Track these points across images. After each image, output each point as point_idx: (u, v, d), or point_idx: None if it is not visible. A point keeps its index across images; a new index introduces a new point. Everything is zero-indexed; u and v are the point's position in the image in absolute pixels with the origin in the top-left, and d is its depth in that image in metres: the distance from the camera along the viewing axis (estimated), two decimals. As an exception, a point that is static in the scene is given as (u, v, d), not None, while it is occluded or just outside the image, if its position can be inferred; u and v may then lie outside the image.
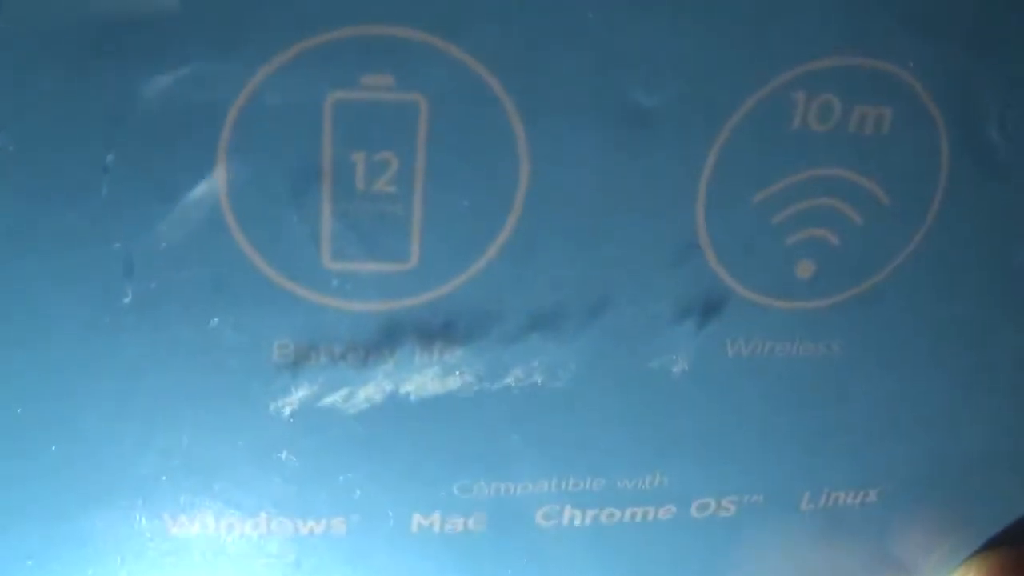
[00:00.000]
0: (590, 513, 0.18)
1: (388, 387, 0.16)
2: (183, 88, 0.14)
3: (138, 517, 0.17)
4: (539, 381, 0.16)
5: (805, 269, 0.16)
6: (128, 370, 0.15)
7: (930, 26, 0.15)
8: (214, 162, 0.14)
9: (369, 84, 0.14)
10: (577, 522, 0.18)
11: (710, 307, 0.16)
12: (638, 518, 0.19)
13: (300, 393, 0.16)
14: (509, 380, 0.16)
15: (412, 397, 0.16)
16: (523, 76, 0.14)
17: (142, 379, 0.16)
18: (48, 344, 0.15)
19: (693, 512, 0.19)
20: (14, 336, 0.15)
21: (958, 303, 0.17)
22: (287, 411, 0.16)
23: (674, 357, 0.17)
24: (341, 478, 0.17)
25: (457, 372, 0.16)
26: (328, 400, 0.16)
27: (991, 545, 0.21)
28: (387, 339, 0.16)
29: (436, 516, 0.18)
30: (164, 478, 0.17)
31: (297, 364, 0.16)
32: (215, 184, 0.14)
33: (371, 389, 0.16)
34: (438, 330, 0.16)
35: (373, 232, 0.15)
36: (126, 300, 0.15)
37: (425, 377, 0.16)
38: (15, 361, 0.15)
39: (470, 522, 0.18)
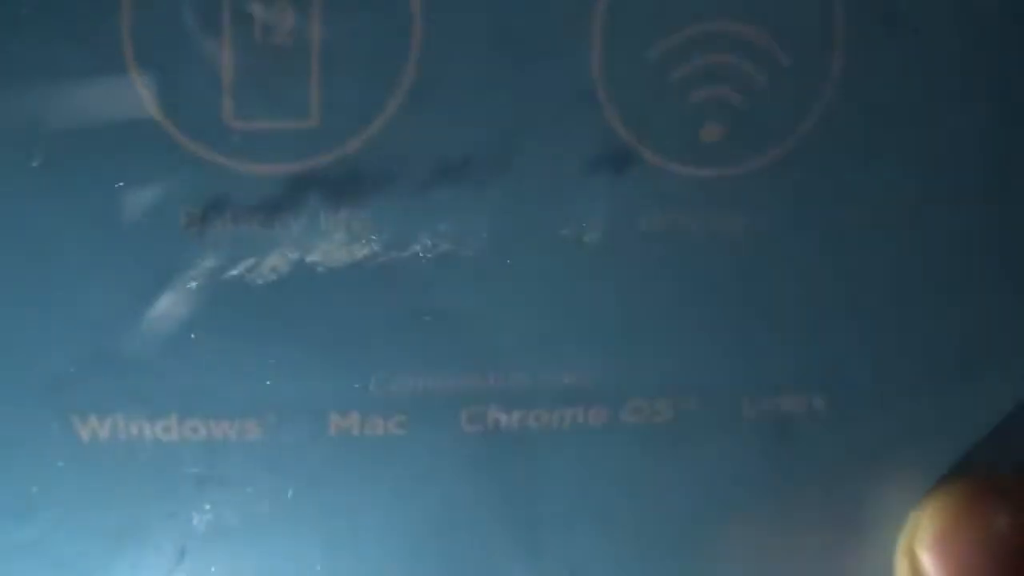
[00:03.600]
0: (516, 415, 0.18)
1: (294, 255, 0.16)
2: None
3: (48, 421, 0.17)
4: (448, 249, 0.16)
5: (712, 132, 0.17)
6: (40, 240, 0.15)
7: None
8: (118, 17, 0.15)
9: (263, -65, 0.15)
10: (503, 424, 0.18)
11: (616, 167, 0.16)
12: (567, 422, 0.18)
13: (207, 263, 0.16)
14: (417, 248, 0.16)
15: (319, 267, 0.16)
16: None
17: (54, 251, 0.16)
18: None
19: (626, 416, 0.18)
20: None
21: (881, 174, 0.17)
22: (194, 284, 0.16)
23: (584, 224, 0.17)
24: (252, 364, 0.17)
25: (363, 239, 0.16)
26: (234, 271, 0.16)
27: (957, 474, 0.20)
28: (292, 201, 0.16)
29: (355, 417, 0.17)
30: (73, 370, 0.16)
31: (204, 230, 0.16)
32: (120, 38, 0.15)
33: (276, 258, 0.16)
34: (343, 189, 0.16)
35: (275, 87, 0.15)
36: (35, 164, 0.15)
37: (332, 244, 0.16)
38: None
39: (390, 424, 0.17)
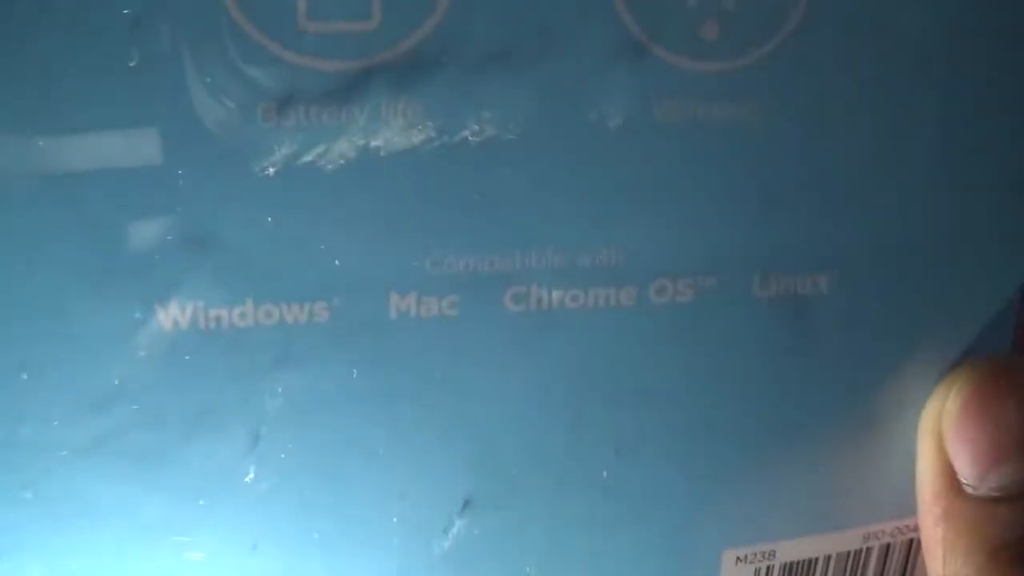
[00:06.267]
0: (556, 295, 0.20)
1: (360, 142, 0.18)
2: None
3: (130, 306, 0.18)
4: (492, 133, 0.19)
5: (710, 30, 0.19)
6: (133, 122, 0.17)
7: None
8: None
9: None
10: (544, 304, 0.20)
11: (631, 59, 0.19)
12: (601, 302, 0.20)
13: (283, 151, 0.18)
14: (466, 133, 0.18)
15: (382, 152, 0.18)
16: None
17: (146, 133, 0.17)
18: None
19: (652, 295, 0.20)
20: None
21: (872, 63, 0.20)
22: (271, 171, 0.18)
23: (606, 110, 0.19)
24: (323, 245, 0.18)
25: (419, 126, 0.18)
26: (307, 158, 0.18)
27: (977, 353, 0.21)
28: (356, 93, 0.18)
29: (413, 297, 0.19)
30: (158, 256, 0.18)
31: (280, 122, 0.18)
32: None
33: (344, 145, 0.18)
34: (400, 80, 0.18)
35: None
36: (132, 64, 0.17)
37: (392, 131, 0.18)
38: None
39: (444, 305, 0.19)
